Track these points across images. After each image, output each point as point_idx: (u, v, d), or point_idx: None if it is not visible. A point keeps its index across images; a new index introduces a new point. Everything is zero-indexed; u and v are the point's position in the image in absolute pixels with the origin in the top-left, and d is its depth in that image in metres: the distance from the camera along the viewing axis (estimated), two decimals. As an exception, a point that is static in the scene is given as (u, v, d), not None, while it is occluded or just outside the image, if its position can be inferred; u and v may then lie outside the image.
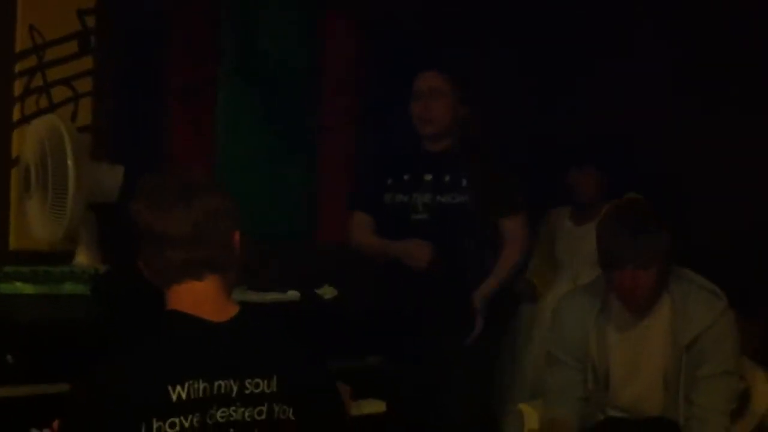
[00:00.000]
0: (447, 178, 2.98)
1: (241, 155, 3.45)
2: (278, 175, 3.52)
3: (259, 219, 3.27)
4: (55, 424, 1.66)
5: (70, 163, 2.59)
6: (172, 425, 1.57)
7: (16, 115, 2.94)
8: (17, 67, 2.95)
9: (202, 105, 3.39)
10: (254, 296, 2.61)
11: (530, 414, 2.67)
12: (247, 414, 1.63)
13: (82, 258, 2.72)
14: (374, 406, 2.43)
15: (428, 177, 2.99)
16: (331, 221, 3.51)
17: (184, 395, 1.58)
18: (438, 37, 3.71)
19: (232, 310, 1.70)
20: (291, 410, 1.66)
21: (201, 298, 1.67)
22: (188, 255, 1.65)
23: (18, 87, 2.95)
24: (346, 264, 3.12)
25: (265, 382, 1.65)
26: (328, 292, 2.82)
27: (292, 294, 2.74)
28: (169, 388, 1.57)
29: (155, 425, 1.56)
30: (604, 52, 3.77)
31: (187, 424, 1.58)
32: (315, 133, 3.62)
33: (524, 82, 3.83)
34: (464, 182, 2.96)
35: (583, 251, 3.34)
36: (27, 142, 2.70)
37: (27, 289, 2.48)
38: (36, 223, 2.67)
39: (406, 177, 3.02)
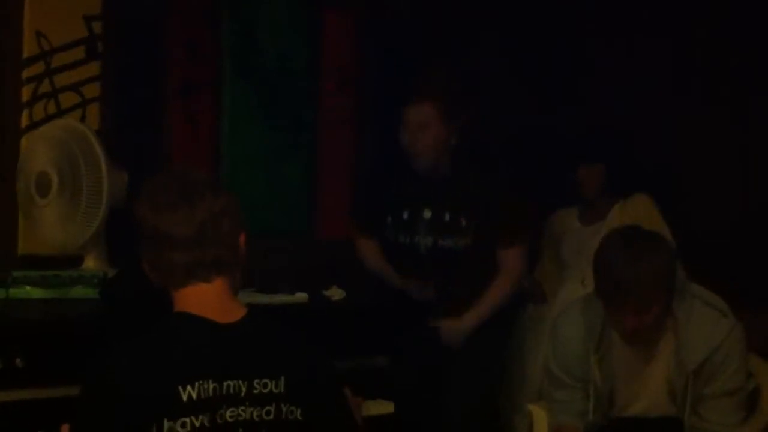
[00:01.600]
0: (447, 218, 2.95)
1: (241, 154, 3.45)
2: (278, 173, 3.52)
3: (259, 216, 3.28)
4: (64, 427, 1.66)
5: (104, 167, 2.63)
6: (183, 425, 1.58)
7: (24, 121, 2.96)
8: (25, 74, 2.96)
9: (202, 104, 3.39)
10: (262, 298, 2.62)
11: (539, 415, 2.66)
12: (255, 414, 1.64)
13: (91, 262, 2.73)
14: (382, 407, 2.43)
15: (427, 214, 2.97)
16: (331, 218, 3.53)
17: (194, 395, 1.59)
18: (436, 35, 3.71)
19: (240, 312, 1.71)
20: (299, 411, 1.67)
21: (208, 299, 1.68)
22: (193, 256, 1.65)
23: (26, 93, 2.96)
24: (347, 261, 3.12)
25: (274, 382, 1.66)
26: (336, 293, 2.83)
27: (300, 296, 2.75)
28: (180, 388, 1.58)
29: (166, 425, 1.57)
30: (606, 47, 3.77)
31: (197, 424, 1.59)
32: (314, 131, 3.61)
33: (524, 79, 3.82)
34: (463, 222, 2.94)
35: (591, 251, 3.32)
36: (40, 148, 2.70)
37: (36, 293, 2.49)
38: (55, 229, 2.67)
39: (405, 216, 2.99)
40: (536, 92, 3.82)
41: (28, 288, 2.49)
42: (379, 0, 3.69)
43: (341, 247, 3.20)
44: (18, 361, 2.14)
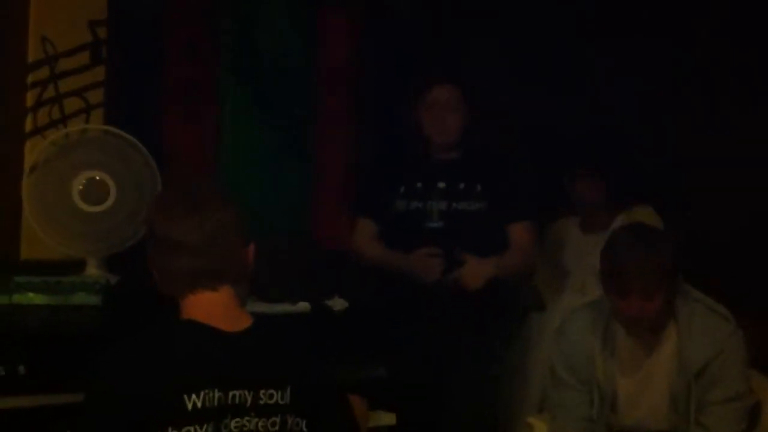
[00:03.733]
0: (461, 186, 2.99)
1: (240, 154, 3.46)
2: (277, 173, 3.52)
3: (257, 216, 3.27)
4: None
5: (157, 173, 2.68)
6: None
7: (28, 126, 2.96)
8: (29, 79, 2.97)
9: (201, 105, 3.39)
10: (264, 307, 2.61)
11: (539, 428, 2.66)
12: (261, 424, 1.65)
13: (93, 269, 2.73)
14: (384, 419, 2.43)
15: (442, 185, 3.01)
16: (328, 221, 3.52)
17: (199, 404, 1.60)
18: (435, 35, 3.71)
19: (246, 321, 1.72)
20: (304, 422, 1.68)
21: (215, 308, 1.69)
22: (201, 264, 1.67)
23: (30, 98, 2.97)
24: (345, 265, 3.12)
25: (280, 393, 1.67)
26: (338, 303, 2.83)
27: (303, 305, 2.74)
28: (185, 396, 1.59)
29: None
30: (606, 47, 3.77)
31: None
32: (313, 132, 3.62)
33: (522, 84, 3.82)
34: (479, 188, 2.98)
35: (591, 261, 3.33)
36: (84, 152, 2.68)
37: (38, 299, 2.50)
38: (105, 237, 2.68)
39: (419, 185, 3.03)
40: (536, 93, 3.82)
41: (30, 294, 2.49)
42: (377, 0, 3.69)
43: (339, 252, 3.19)
44: (21, 368, 2.14)
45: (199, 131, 3.38)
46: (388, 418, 2.43)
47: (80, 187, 2.69)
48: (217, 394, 1.62)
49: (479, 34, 3.79)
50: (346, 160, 3.63)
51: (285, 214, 3.53)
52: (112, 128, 2.78)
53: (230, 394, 1.63)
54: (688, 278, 2.49)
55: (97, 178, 2.69)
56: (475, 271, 2.92)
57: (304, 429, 1.68)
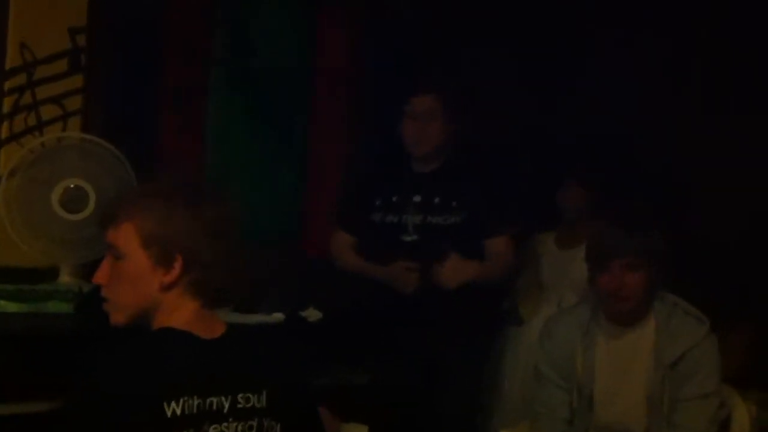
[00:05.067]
0: (437, 200, 3.00)
1: (231, 159, 3.46)
2: (269, 178, 3.52)
3: (249, 222, 3.27)
4: None
5: (134, 181, 2.67)
6: None
7: (4, 132, 2.95)
8: (7, 85, 2.96)
9: (193, 108, 3.39)
10: (238, 318, 2.61)
11: (515, 439, 2.68)
12: (239, 429, 1.65)
13: (66, 276, 2.72)
14: (357, 430, 2.43)
15: (417, 198, 3.01)
16: (319, 226, 3.52)
17: (178, 411, 1.60)
18: (435, 38, 3.72)
19: (221, 328, 1.72)
20: (279, 426, 1.69)
21: (192, 316, 1.68)
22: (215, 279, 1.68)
23: (7, 104, 2.96)
24: (333, 280, 3.12)
25: (256, 396, 1.68)
26: (312, 314, 2.83)
27: (277, 316, 2.74)
28: (164, 404, 1.59)
29: None
30: (596, 57, 3.79)
31: None
32: (307, 136, 3.62)
33: (520, 87, 3.84)
34: (454, 204, 2.99)
35: (569, 275, 3.36)
36: (63, 159, 2.67)
37: (11, 307, 2.48)
38: (86, 245, 2.66)
39: (394, 198, 3.03)
40: (534, 96, 3.83)
41: (2, 302, 2.48)
42: (375, 3, 3.70)
43: (327, 263, 3.18)
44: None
45: (190, 135, 3.37)
46: (360, 430, 2.43)
47: (60, 194, 2.67)
48: (196, 401, 1.62)
49: (478, 35, 3.80)
50: (341, 165, 3.63)
51: (277, 218, 3.53)
52: (90, 136, 2.78)
53: (208, 400, 1.63)
54: (677, 284, 2.58)
55: (76, 185, 2.67)
56: (456, 268, 2.92)
57: None
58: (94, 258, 2.68)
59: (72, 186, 2.68)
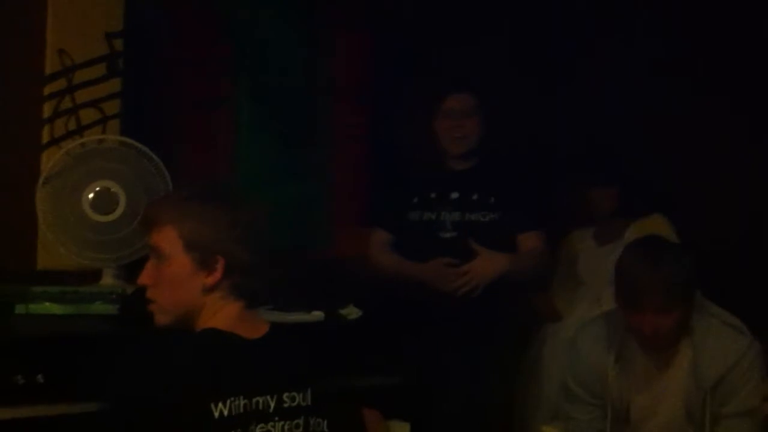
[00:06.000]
0: (474, 197, 3.01)
1: (255, 171, 3.47)
2: (291, 190, 3.54)
3: (273, 233, 3.29)
4: None
5: (170, 182, 2.70)
6: None
7: (45, 137, 2.99)
8: (46, 90, 3.00)
9: (217, 122, 3.42)
10: (278, 316, 2.62)
11: (553, 436, 2.66)
12: (286, 427, 1.67)
13: (109, 278, 2.75)
14: (398, 429, 2.43)
15: (455, 195, 3.02)
16: (345, 235, 3.53)
17: (225, 412, 1.62)
18: (446, 47, 3.72)
19: (264, 327, 1.74)
20: (325, 422, 1.71)
21: (236, 316, 1.70)
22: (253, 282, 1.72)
23: (47, 109, 3.00)
24: (363, 279, 3.13)
25: (301, 395, 1.69)
26: (352, 312, 2.84)
27: (316, 314, 2.76)
28: (212, 405, 1.61)
29: None
30: (604, 65, 3.77)
31: None
32: (328, 148, 3.63)
33: (534, 91, 3.83)
34: (492, 200, 2.99)
35: (605, 272, 3.33)
36: (93, 162, 2.72)
37: (55, 309, 2.51)
38: (117, 247, 2.70)
39: (432, 195, 3.04)
40: (547, 100, 3.82)
41: (47, 304, 2.51)
42: (391, 17, 3.71)
43: (359, 264, 3.20)
44: (39, 376, 2.15)
45: (214, 149, 3.40)
46: (402, 428, 2.43)
47: (90, 196, 2.70)
48: (242, 401, 1.64)
49: (488, 42, 3.80)
50: (361, 176, 3.64)
51: (300, 231, 3.54)
52: (127, 139, 2.81)
53: (254, 400, 1.65)
54: (704, 288, 2.48)
55: (108, 188, 2.71)
56: (487, 264, 2.91)
57: (326, 429, 1.70)
58: (127, 261, 2.71)
59: (103, 188, 2.71)
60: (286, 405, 1.67)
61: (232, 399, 1.62)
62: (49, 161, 2.83)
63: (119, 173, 2.72)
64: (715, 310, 2.45)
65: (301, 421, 1.68)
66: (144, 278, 1.74)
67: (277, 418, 1.66)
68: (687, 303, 2.34)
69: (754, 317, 2.92)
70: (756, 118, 3.40)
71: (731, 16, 3.45)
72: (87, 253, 2.71)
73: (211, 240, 1.67)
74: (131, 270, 2.74)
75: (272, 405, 1.66)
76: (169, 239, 1.70)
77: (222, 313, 1.70)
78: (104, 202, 2.70)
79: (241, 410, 1.63)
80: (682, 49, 3.57)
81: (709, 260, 3.16)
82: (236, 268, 1.68)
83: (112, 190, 2.70)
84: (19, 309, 2.48)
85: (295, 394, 1.68)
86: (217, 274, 1.68)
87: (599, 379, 2.45)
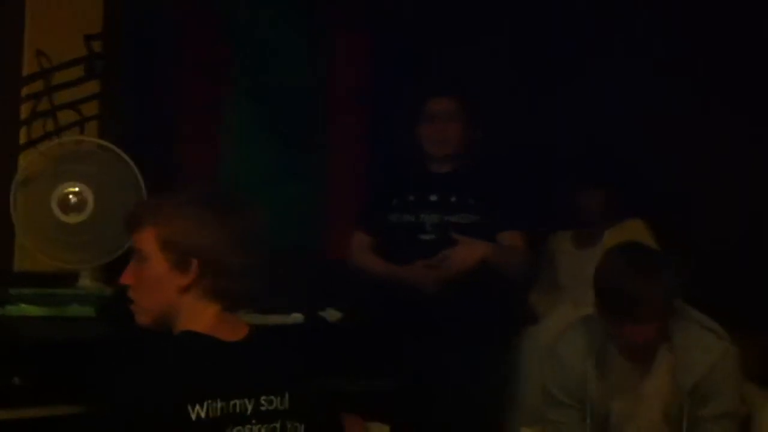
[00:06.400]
0: (453, 199, 3.01)
1: (248, 172, 3.47)
2: (287, 192, 3.53)
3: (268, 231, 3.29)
4: None
5: (143, 185, 2.69)
6: None
7: (22, 138, 2.97)
8: (24, 91, 2.98)
9: (210, 122, 3.41)
10: (257, 318, 2.62)
11: (533, 438, 2.67)
12: (262, 431, 1.66)
13: (87, 280, 2.73)
14: (378, 431, 2.43)
15: (434, 197, 3.03)
16: (339, 237, 3.53)
17: (203, 414, 1.61)
18: (445, 51, 3.73)
19: (244, 330, 1.73)
20: (302, 427, 1.70)
21: (214, 319, 1.70)
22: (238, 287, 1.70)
23: (24, 111, 2.98)
24: (353, 281, 3.13)
25: (279, 398, 1.69)
26: (332, 314, 2.84)
27: (296, 316, 2.75)
28: (189, 407, 1.60)
29: None
30: (602, 67, 3.79)
31: None
32: (324, 150, 3.63)
33: (521, 98, 3.84)
34: (471, 201, 3.00)
35: (585, 275, 3.33)
36: (62, 165, 2.70)
37: (33, 311, 2.50)
38: (87, 248, 2.69)
39: (411, 198, 3.05)
40: (535, 109, 3.83)
41: (24, 305, 2.49)
42: (389, 18, 3.71)
43: (348, 267, 3.19)
44: (16, 379, 2.14)
45: (207, 149, 3.39)
46: (382, 430, 2.43)
47: (59, 198, 2.70)
48: (219, 404, 1.63)
49: (485, 45, 3.81)
50: (357, 178, 3.64)
51: (295, 233, 3.53)
52: (102, 141, 2.80)
53: (232, 402, 1.64)
54: (702, 289, 2.50)
55: (78, 190, 2.69)
56: (466, 249, 2.92)
57: None
58: (100, 263, 2.69)
59: (72, 190, 2.70)
60: (263, 408, 1.66)
61: (210, 401, 1.62)
62: (27, 163, 2.82)
63: (89, 175, 2.70)
64: (694, 314, 2.46)
65: (278, 425, 1.68)
66: (125, 278, 1.75)
67: (254, 421, 1.65)
68: (668, 310, 2.35)
69: (754, 317, 2.95)
70: (756, 118, 3.41)
71: (731, 16, 3.45)
72: (58, 254, 2.69)
73: (185, 241, 1.68)
74: (109, 272, 2.73)
75: (250, 408, 1.65)
76: (148, 240, 1.71)
77: (201, 316, 1.70)
78: (75, 204, 2.68)
79: (219, 413, 1.62)
80: (682, 49, 3.57)
81: (709, 260, 3.21)
82: (214, 269, 1.68)
83: (81, 192, 2.68)
84: (-4, 311, 2.46)
85: (272, 397, 1.68)
86: (192, 275, 1.68)
87: (579, 384, 2.46)
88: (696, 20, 3.54)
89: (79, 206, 2.70)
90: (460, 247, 2.92)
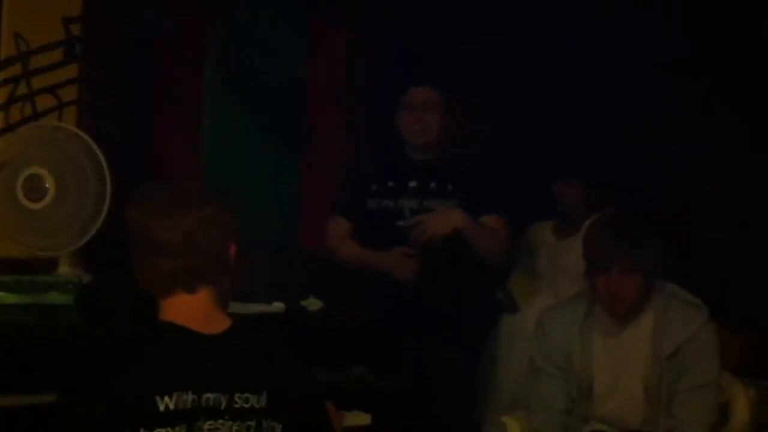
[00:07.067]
0: (432, 185, 3.01)
1: (228, 164, 3.45)
2: (265, 184, 3.52)
3: (247, 229, 3.27)
4: None
5: (107, 171, 2.64)
6: None
7: (0, 123, 2.93)
8: (1, 75, 2.94)
9: (189, 114, 3.38)
10: (238, 308, 2.59)
11: (513, 427, 2.68)
12: (235, 428, 1.64)
13: (65, 267, 2.71)
14: (359, 419, 2.43)
15: (413, 184, 3.03)
16: (317, 230, 3.52)
17: (171, 406, 1.59)
18: (427, 48, 3.72)
19: (224, 323, 1.70)
20: (280, 427, 1.67)
21: (193, 310, 1.68)
22: (178, 264, 1.66)
23: (2, 95, 2.94)
24: (331, 272, 3.11)
25: (256, 397, 1.66)
26: (313, 303, 2.82)
27: (277, 306, 2.74)
28: (158, 398, 1.58)
29: None
30: (593, 64, 3.79)
31: None
32: (302, 142, 3.61)
33: (510, 93, 3.84)
34: (450, 187, 2.99)
35: (565, 265, 3.36)
36: (27, 149, 2.67)
37: (10, 298, 2.47)
38: (51, 234, 2.66)
39: (390, 183, 3.04)
40: (523, 104, 3.83)
41: (1, 293, 2.46)
42: (371, 14, 3.69)
43: (326, 259, 3.18)
44: (-8, 367, 2.12)
45: (186, 141, 3.36)
46: (363, 418, 2.43)
47: (22, 183, 2.67)
48: (190, 397, 1.61)
49: (470, 44, 3.80)
50: (336, 172, 3.62)
51: (274, 227, 3.52)
52: (61, 124, 2.77)
53: (204, 396, 1.62)
54: (702, 287, 2.57)
55: (39, 174, 2.66)
56: (441, 216, 2.91)
57: None
58: (63, 250, 2.67)
59: (33, 174, 2.67)
60: (237, 405, 1.64)
61: (179, 393, 1.60)
62: (4, 148, 2.78)
63: (51, 160, 2.66)
64: (677, 289, 2.55)
65: (253, 423, 1.64)
66: None
67: (227, 417, 1.63)
68: (650, 269, 2.45)
69: (753, 317, 2.98)
70: (756, 119, 3.43)
71: (731, 16, 3.46)
72: (24, 238, 2.66)
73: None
74: (88, 259, 2.70)
75: (224, 403, 1.63)
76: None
77: (180, 307, 1.68)
78: (39, 190, 2.65)
79: (188, 405, 1.60)
80: (682, 49, 3.58)
81: (709, 260, 3.23)
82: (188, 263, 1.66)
83: (42, 176, 2.65)
84: (-28, 298, 2.44)
85: (249, 395, 1.64)
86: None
87: (565, 353, 2.55)
88: (696, 20, 3.55)
89: (41, 191, 2.66)
90: (437, 213, 2.93)
